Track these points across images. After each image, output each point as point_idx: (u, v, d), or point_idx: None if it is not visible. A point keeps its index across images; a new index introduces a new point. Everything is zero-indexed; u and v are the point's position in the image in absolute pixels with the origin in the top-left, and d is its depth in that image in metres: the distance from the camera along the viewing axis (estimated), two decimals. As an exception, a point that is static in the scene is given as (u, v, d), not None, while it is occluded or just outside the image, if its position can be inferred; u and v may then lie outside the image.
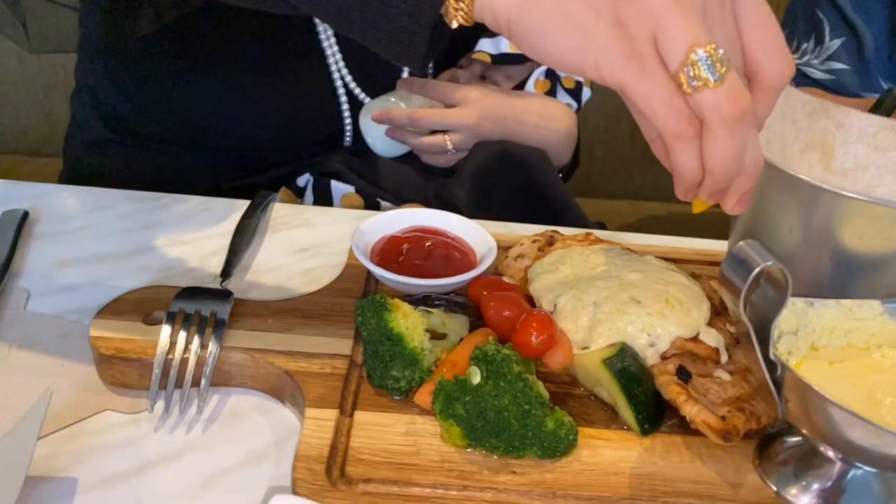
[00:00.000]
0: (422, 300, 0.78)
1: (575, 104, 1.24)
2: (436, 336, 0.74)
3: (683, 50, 0.52)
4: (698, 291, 0.74)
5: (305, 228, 0.94)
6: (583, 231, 0.87)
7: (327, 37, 1.11)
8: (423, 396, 0.68)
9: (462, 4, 0.58)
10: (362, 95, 1.15)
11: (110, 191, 0.97)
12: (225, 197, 0.97)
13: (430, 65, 1.22)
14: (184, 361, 0.70)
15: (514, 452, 0.65)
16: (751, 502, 0.64)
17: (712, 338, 0.71)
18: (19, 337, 0.76)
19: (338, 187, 1.12)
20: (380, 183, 1.14)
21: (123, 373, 0.70)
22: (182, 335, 0.71)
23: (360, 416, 0.68)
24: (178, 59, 1.10)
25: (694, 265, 0.86)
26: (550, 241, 0.83)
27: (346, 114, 1.16)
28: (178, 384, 0.70)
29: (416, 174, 1.17)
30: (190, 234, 0.91)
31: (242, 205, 0.93)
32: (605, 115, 1.81)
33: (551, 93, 1.23)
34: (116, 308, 0.75)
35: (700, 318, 0.72)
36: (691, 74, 0.52)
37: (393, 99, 1.16)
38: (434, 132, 1.13)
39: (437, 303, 0.78)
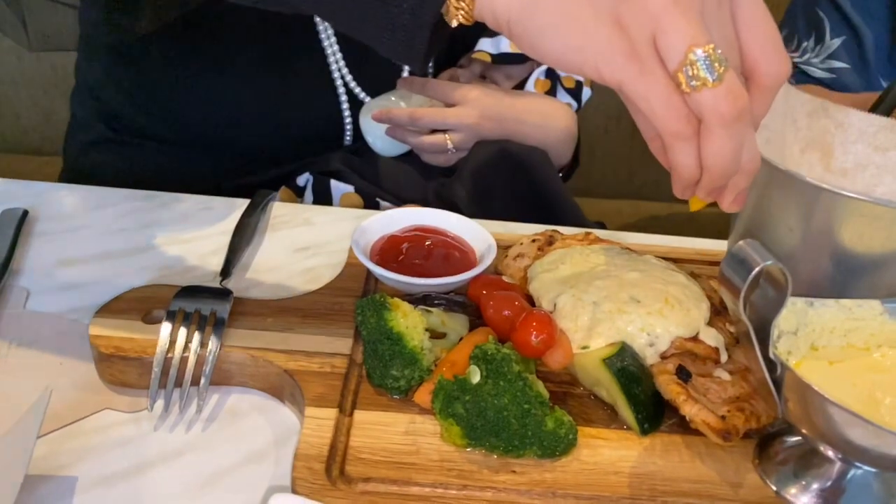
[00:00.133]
0: (421, 299, 0.78)
1: (575, 104, 1.24)
2: (435, 335, 0.74)
3: (682, 50, 0.52)
4: (698, 291, 0.74)
5: (305, 227, 0.94)
6: (582, 230, 0.86)
7: (328, 36, 1.11)
8: (423, 396, 0.68)
9: (463, 3, 0.58)
10: (362, 94, 1.15)
11: (110, 190, 0.97)
12: (225, 196, 0.97)
13: (431, 64, 1.22)
14: (183, 360, 0.70)
15: (513, 452, 0.65)
16: (750, 502, 0.64)
17: (712, 337, 0.71)
18: (19, 336, 0.76)
19: (337, 187, 1.12)
20: (380, 182, 1.14)
21: (123, 372, 0.70)
22: (182, 334, 0.71)
23: (360, 416, 0.68)
24: (178, 59, 1.10)
25: (694, 265, 0.86)
26: (550, 241, 0.83)
27: (347, 113, 1.16)
28: (178, 383, 0.70)
29: (417, 173, 1.17)
30: (190, 232, 0.91)
31: (242, 204, 0.93)
32: (605, 115, 1.80)
33: (551, 92, 1.23)
34: (116, 307, 0.75)
35: (700, 317, 0.72)
36: (690, 74, 0.52)
37: (393, 98, 1.16)
38: (434, 131, 1.13)
39: (436, 302, 0.78)
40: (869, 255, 0.66)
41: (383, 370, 0.69)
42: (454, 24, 0.59)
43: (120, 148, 1.18)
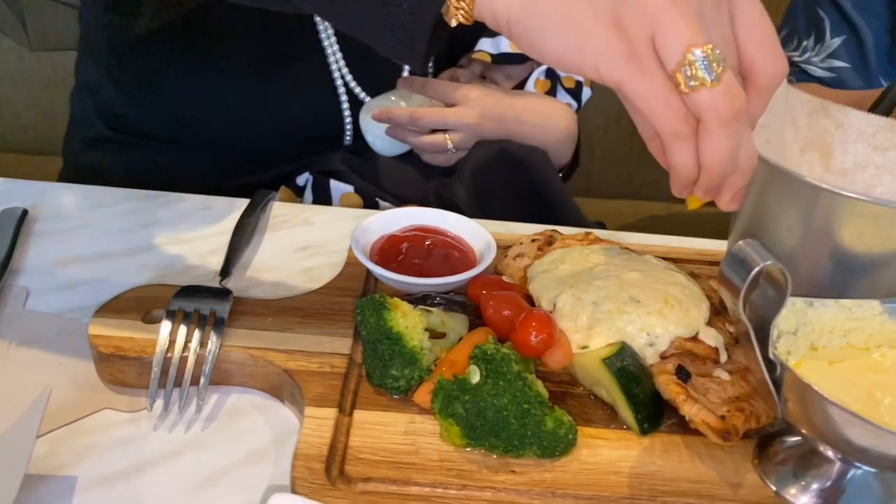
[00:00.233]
0: (421, 299, 0.78)
1: (575, 104, 1.24)
2: (435, 335, 0.74)
3: (681, 50, 0.53)
4: (697, 291, 0.74)
5: (305, 227, 0.94)
6: (582, 230, 0.86)
7: (328, 35, 1.11)
8: (423, 395, 0.68)
9: (463, 3, 0.58)
10: (362, 94, 1.15)
11: (110, 189, 0.97)
12: (225, 196, 0.97)
13: (431, 64, 1.22)
14: (183, 360, 0.70)
15: (513, 452, 0.65)
16: (750, 502, 0.64)
17: (711, 337, 0.71)
18: (18, 335, 0.76)
19: (337, 187, 1.12)
20: (380, 182, 1.14)
21: (122, 371, 0.70)
22: (181, 333, 0.71)
23: (360, 415, 0.68)
24: (179, 58, 1.10)
25: (693, 265, 0.86)
26: (550, 241, 0.83)
27: (347, 112, 1.15)
28: (178, 383, 0.70)
29: (417, 173, 1.17)
30: (189, 232, 0.91)
31: (242, 203, 0.93)
32: (605, 115, 1.80)
33: (551, 92, 1.23)
34: (116, 306, 0.75)
35: (699, 317, 0.72)
36: (688, 74, 0.53)
37: (393, 98, 1.16)
38: (434, 131, 1.13)
39: (436, 302, 0.78)
40: (869, 255, 0.66)
41: (383, 370, 0.69)
42: (454, 23, 0.59)
43: (120, 147, 1.17)
